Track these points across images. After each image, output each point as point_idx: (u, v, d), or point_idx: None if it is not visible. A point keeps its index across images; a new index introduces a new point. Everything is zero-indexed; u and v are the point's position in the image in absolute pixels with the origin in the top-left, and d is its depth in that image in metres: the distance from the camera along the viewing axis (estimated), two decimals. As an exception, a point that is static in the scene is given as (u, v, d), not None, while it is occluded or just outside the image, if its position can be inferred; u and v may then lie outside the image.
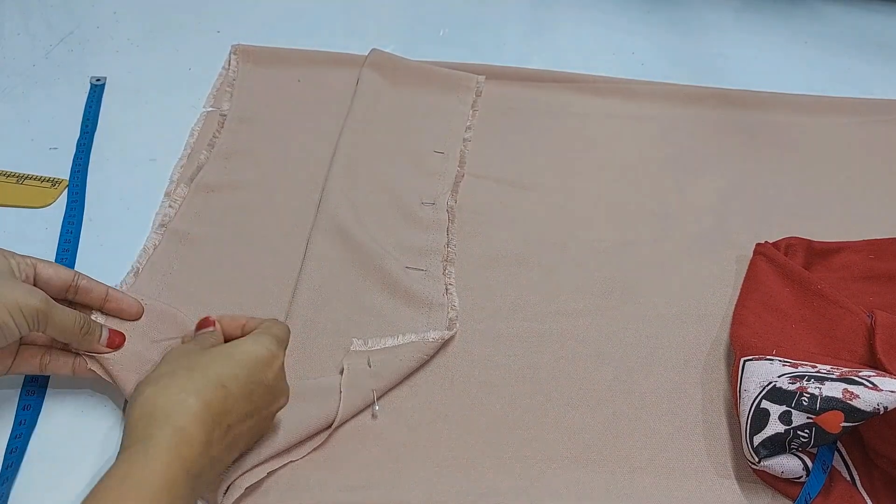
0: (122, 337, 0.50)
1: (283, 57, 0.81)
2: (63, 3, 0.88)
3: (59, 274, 0.49)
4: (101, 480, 0.39)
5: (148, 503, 0.38)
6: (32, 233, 0.63)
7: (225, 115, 0.75)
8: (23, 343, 0.49)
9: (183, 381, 0.43)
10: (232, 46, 0.82)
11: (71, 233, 0.63)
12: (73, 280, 0.50)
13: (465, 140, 0.75)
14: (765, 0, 0.98)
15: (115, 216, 0.65)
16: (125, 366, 0.50)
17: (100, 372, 0.50)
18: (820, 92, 0.84)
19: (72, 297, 0.50)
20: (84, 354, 0.50)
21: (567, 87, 0.81)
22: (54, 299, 0.47)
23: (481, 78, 0.81)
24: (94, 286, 0.51)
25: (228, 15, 0.88)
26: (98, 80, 0.78)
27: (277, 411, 0.48)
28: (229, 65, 0.80)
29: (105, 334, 0.49)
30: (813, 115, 0.81)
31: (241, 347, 0.46)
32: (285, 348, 0.49)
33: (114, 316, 0.51)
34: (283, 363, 0.48)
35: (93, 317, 0.50)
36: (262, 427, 0.48)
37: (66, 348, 0.50)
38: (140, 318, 0.52)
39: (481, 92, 0.80)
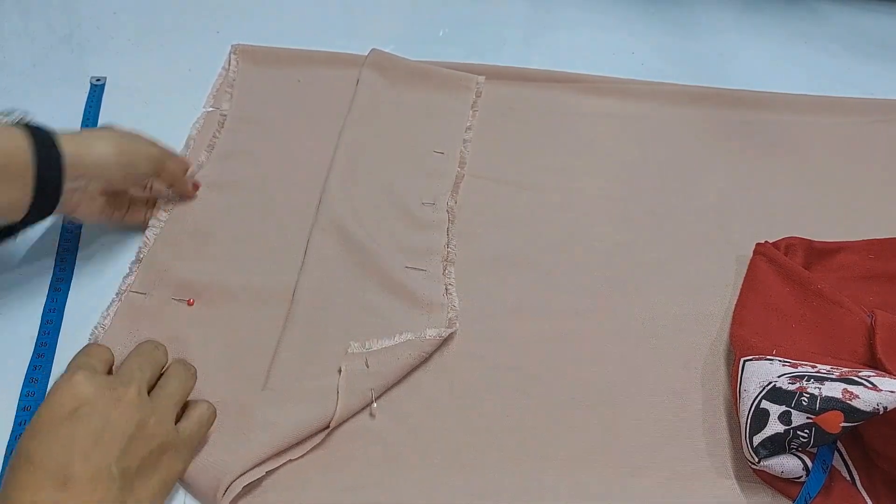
0: (197, 186, 0.66)
1: (283, 57, 0.81)
2: (63, 3, 0.88)
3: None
4: None
5: None
6: (32, 232, 0.62)
7: (225, 115, 0.75)
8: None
9: None
10: (232, 46, 0.82)
11: (71, 232, 0.63)
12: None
13: (465, 140, 0.74)
14: (765, 0, 0.98)
15: (114, 216, 0.65)
16: None
17: None
18: (820, 92, 0.83)
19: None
20: None
21: (567, 87, 0.81)
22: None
23: (481, 78, 0.80)
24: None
25: (228, 15, 0.88)
26: (98, 80, 0.78)
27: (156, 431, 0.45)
28: (229, 65, 0.80)
29: (191, 183, 0.66)
30: (813, 115, 0.81)
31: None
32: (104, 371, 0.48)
33: None
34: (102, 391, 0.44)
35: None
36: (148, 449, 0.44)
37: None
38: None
39: (481, 92, 0.80)
